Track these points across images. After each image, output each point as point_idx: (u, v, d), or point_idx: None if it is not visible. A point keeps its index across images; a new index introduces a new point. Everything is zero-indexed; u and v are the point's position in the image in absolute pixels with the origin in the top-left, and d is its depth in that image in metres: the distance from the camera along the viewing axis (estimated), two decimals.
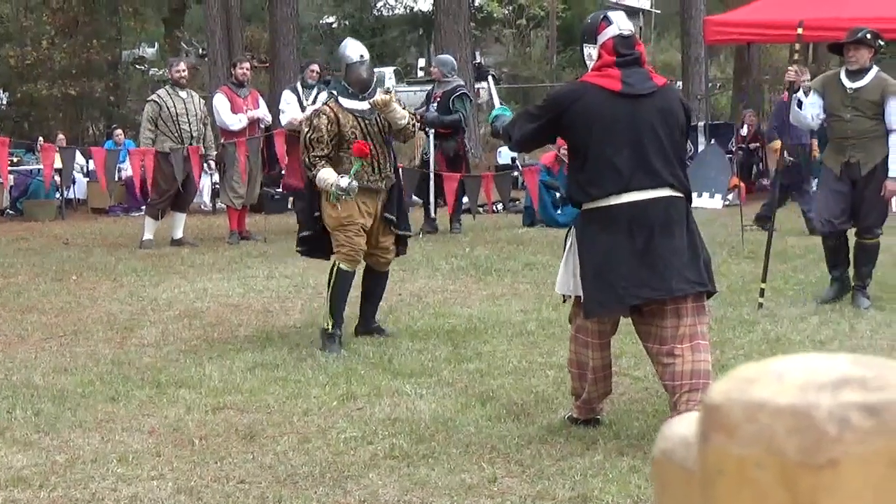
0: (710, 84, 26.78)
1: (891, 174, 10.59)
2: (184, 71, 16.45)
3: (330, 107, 9.54)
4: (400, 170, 10.51)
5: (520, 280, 12.73)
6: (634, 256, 6.76)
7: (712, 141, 21.35)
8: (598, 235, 6.85)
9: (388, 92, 9.66)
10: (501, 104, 8.87)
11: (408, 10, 51.51)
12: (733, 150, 20.72)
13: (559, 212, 17.48)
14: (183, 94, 16.12)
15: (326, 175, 9.28)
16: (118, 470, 6.65)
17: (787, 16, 17.73)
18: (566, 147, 7.56)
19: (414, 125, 9.72)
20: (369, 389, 8.26)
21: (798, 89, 10.86)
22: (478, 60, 44.32)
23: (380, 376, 8.63)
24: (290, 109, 16.79)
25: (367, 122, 9.50)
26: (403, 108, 9.66)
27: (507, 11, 46.93)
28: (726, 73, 41.16)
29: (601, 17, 7.19)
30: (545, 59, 47.26)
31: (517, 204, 19.42)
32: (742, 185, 19.02)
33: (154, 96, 16.38)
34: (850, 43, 10.72)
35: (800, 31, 11.14)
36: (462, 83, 17.56)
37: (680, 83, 28.42)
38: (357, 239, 9.45)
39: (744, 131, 22.01)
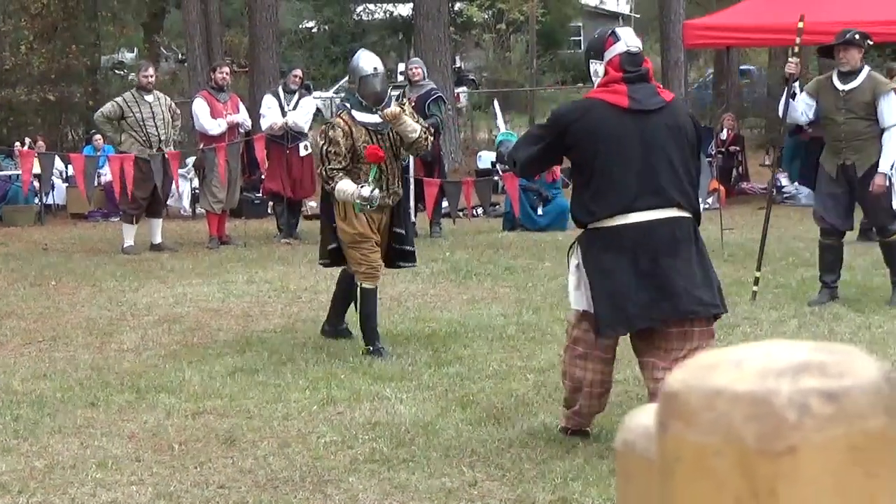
0: (688, 88, 26.84)
1: (881, 168, 10.65)
2: (151, 77, 16.36)
3: (343, 119, 9.37)
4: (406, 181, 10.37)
5: (500, 284, 12.73)
6: (640, 279, 6.65)
7: None
8: (601, 256, 6.72)
9: (401, 105, 9.58)
10: (507, 129, 8.73)
11: (387, 15, 51.50)
12: (713, 153, 20.75)
13: (539, 212, 17.49)
14: (149, 97, 16.05)
15: (345, 186, 9.15)
16: (97, 475, 6.64)
17: (766, 19, 17.85)
18: (570, 166, 7.29)
19: (427, 138, 9.52)
20: (349, 394, 8.26)
21: (797, 80, 10.93)
22: (458, 65, 44.33)
23: (360, 380, 8.63)
24: (271, 114, 16.77)
25: (380, 136, 9.38)
26: (416, 122, 9.53)
27: (486, 16, 46.92)
28: (705, 76, 41.23)
29: (608, 33, 7.06)
30: (525, 63, 47.27)
31: (497, 208, 19.42)
32: (722, 188, 19.03)
33: (119, 98, 16.30)
34: (840, 45, 10.76)
35: (800, 24, 11.18)
36: (436, 87, 17.53)
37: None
38: (373, 255, 9.41)
39: (723, 135, 22.04)
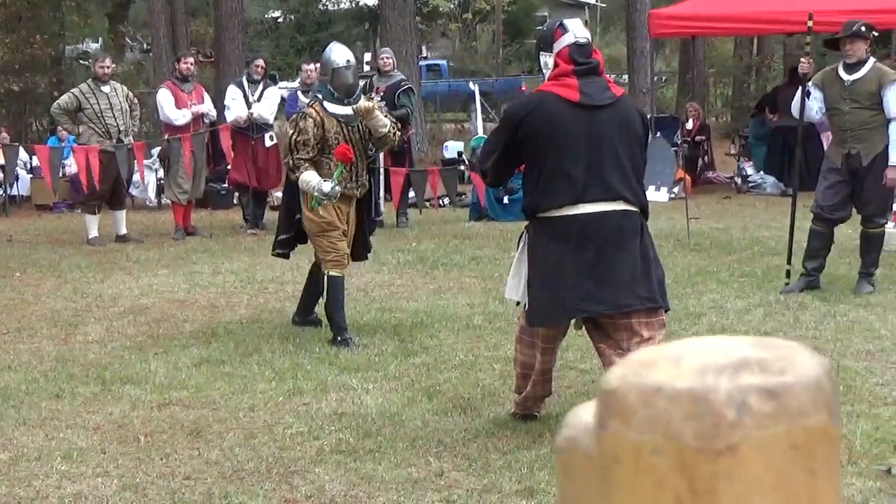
0: (655, 77, 26.90)
1: (891, 162, 10.71)
2: (108, 67, 16.24)
3: (315, 110, 9.40)
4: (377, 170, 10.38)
5: (466, 274, 12.74)
6: (583, 269, 6.67)
7: (658, 134, 21.42)
8: (548, 245, 6.76)
9: (371, 99, 9.56)
10: (483, 132, 8.62)
11: (353, 5, 51.43)
12: (678, 143, 20.80)
13: (505, 202, 17.48)
14: (106, 88, 15.94)
15: (309, 177, 9.19)
16: (62, 467, 6.62)
17: (731, 9, 17.88)
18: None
19: (395, 134, 9.57)
20: (315, 384, 8.25)
21: (810, 79, 11.01)
22: (424, 55, 44.29)
23: (326, 371, 8.62)
24: (236, 106, 16.68)
25: (350, 127, 9.42)
26: (386, 117, 9.55)
27: (452, 5, 46.94)
28: (671, 66, 41.34)
29: (556, 24, 7.05)
30: (491, 53, 47.31)
31: (463, 198, 19.41)
32: (687, 177, 19.09)
33: (76, 90, 16.18)
34: (846, 37, 10.83)
35: (810, 23, 11.27)
36: (405, 77, 17.51)
37: (626, 77, 28.51)
38: (340, 244, 9.44)
39: (689, 125, 22.09)
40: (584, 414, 1.05)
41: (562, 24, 7.02)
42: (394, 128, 9.56)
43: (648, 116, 22.12)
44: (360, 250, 9.95)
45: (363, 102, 9.33)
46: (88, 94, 15.83)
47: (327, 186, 9.13)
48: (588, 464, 0.99)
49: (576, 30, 6.96)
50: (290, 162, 9.32)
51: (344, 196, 9.41)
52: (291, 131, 9.38)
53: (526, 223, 7.08)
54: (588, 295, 6.70)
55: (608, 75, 7.25)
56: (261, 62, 17.29)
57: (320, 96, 9.58)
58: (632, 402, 0.91)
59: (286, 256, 10.38)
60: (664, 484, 0.89)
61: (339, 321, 9.50)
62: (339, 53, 9.69)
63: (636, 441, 0.90)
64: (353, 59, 9.74)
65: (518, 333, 7.23)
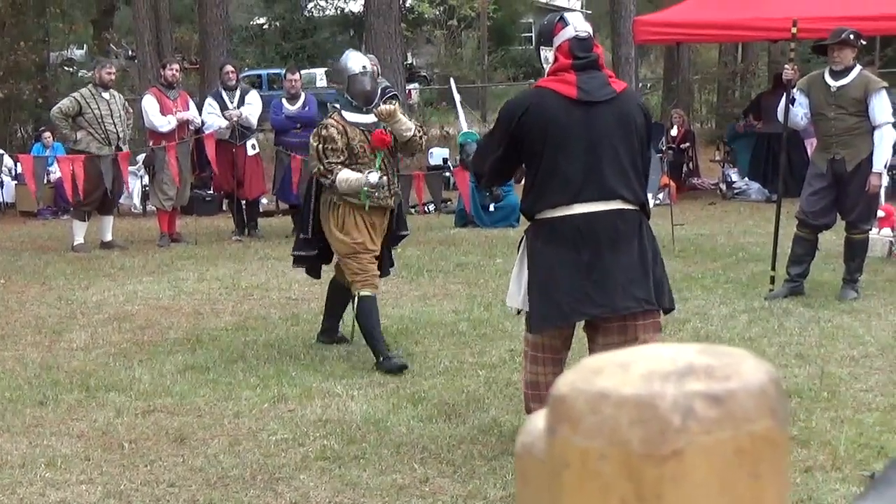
0: (640, 84, 26.94)
1: (875, 168, 10.79)
2: (113, 74, 16.30)
3: (335, 120, 9.02)
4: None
5: (451, 280, 12.74)
6: (579, 271, 6.45)
7: None
8: (544, 248, 6.55)
9: (392, 103, 9.24)
10: (469, 128, 8.35)
11: (338, 12, 51.45)
12: (663, 149, 20.81)
13: (491, 208, 17.48)
14: (106, 94, 15.92)
15: (348, 175, 8.80)
16: (47, 475, 6.62)
17: (716, 16, 17.94)
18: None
19: (421, 137, 9.21)
20: (300, 391, 8.26)
21: (795, 86, 11.06)
22: (409, 61, 44.31)
23: (311, 378, 8.62)
24: (212, 119, 16.62)
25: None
26: (410, 120, 9.21)
27: (437, 12, 46.94)
28: (656, 73, 41.40)
29: (557, 18, 6.81)
30: (476, 59, 47.35)
31: (449, 204, 19.41)
32: (672, 184, 19.10)
33: (77, 94, 16.15)
34: (834, 44, 10.89)
35: (794, 30, 11.32)
36: (389, 84, 17.52)
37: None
38: (370, 266, 9.03)
39: (674, 131, 22.10)
40: (540, 420, 1.06)
41: (562, 18, 6.78)
42: (419, 130, 9.23)
43: None
44: (384, 266, 9.51)
45: (384, 106, 8.97)
46: (90, 98, 15.81)
47: (374, 177, 8.75)
48: (541, 469, 1.00)
49: (576, 23, 6.71)
50: (321, 168, 8.89)
51: (378, 208, 9.09)
52: (316, 142, 8.93)
53: (525, 228, 6.86)
54: (585, 298, 6.49)
55: (608, 69, 7.05)
56: (230, 67, 17.27)
57: (338, 106, 9.21)
58: (580, 409, 0.92)
59: (314, 275, 9.86)
60: (611, 489, 0.90)
61: (377, 343, 9.07)
62: (354, 60, 9.30)
63: (583, 446, 0.91)
64: (369, 66, 9.38)
65: (525, 349, 6.92)
